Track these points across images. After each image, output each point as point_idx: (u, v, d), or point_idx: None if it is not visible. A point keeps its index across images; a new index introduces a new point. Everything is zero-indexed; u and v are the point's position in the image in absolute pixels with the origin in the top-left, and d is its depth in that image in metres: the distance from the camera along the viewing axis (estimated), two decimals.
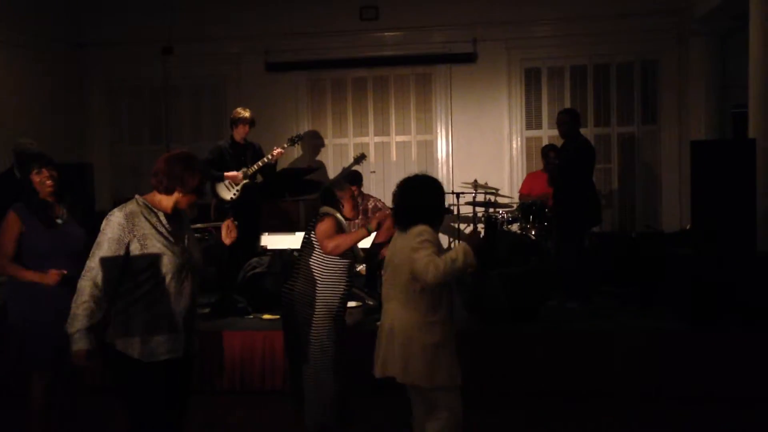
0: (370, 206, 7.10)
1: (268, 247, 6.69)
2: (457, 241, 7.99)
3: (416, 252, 3.30)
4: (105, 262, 3.01)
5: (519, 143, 8.93)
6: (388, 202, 8.10)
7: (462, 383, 3.45)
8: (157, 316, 3.09)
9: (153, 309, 3.08)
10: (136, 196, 3.22)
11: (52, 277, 3.82)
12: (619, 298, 6.47)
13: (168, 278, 3.09)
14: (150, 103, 9.45)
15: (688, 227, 6.78)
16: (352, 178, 7.27)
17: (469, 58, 8.84)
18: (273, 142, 7.81)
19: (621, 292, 6.56)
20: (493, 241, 6.77)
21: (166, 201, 3.21)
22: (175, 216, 3.24)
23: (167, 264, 3.08)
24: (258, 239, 6.62)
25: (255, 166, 6.93)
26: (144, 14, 8.98)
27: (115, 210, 3.12)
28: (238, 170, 6.92)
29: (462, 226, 8.55)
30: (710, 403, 4.97)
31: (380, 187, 8.97)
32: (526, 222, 7.37)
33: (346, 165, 8.97)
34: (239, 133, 7.01)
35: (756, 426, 4.74)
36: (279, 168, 7.62)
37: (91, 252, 3.05)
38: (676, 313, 5.75)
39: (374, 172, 9.07)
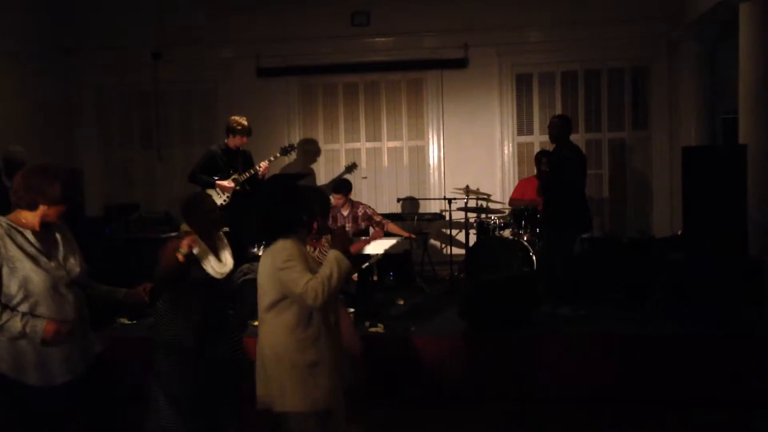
0: (359, 213, 7.05)
1: (260, 254, 6.65)
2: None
3: (285, 273, 3.08)
4: None
5: (510, 149, 8.94)
6: (380, 208, 8.15)
7: (333, 408, 3.19)
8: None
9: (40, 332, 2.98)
10: (0, 218, 3.09)
11: None
12: (610, 304, 6.47)
13: (44, 297, 3.00)
14: (140, 108, 9.41)
15: (679, 232, 6.79)
16: (340, 186, 7.23)
17: (460, 64, 8.85)
18: (264, 148, 7.80)
19: (612, 297, 6.56)
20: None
21: (32, 217, 3.07)
22: (45, 231, 3.12)
23: (40, 283, 2.99)
24: (248, 243, 6.58)
25: (246, 174, 6.91)
26: (134, 19, 8.94)
27: None
28: (228, 175, 6.90)
29: (454, 232, 8.54)
30: (702, 406, 4.98)
31: (372, 193, 8.97)
32: (518, 228, 7.37)
33: (337, 170, 8.96)
34: (235, 142, 6.98)
35: (753, 429, 4.74)
36: (270, 173, 7.61)
37: None
38: (668, 318, 5.77)
39: (366, 177, 9.06)
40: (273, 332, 3.16)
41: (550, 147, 7.19)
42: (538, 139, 8.82)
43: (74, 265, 3.17)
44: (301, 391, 3.09)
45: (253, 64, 9.05)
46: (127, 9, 8.97)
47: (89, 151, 9.36)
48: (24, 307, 2.98)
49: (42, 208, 3.05)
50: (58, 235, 3.19)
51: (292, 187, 3.39)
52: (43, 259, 3.04)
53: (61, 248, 3.16)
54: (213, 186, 6.84)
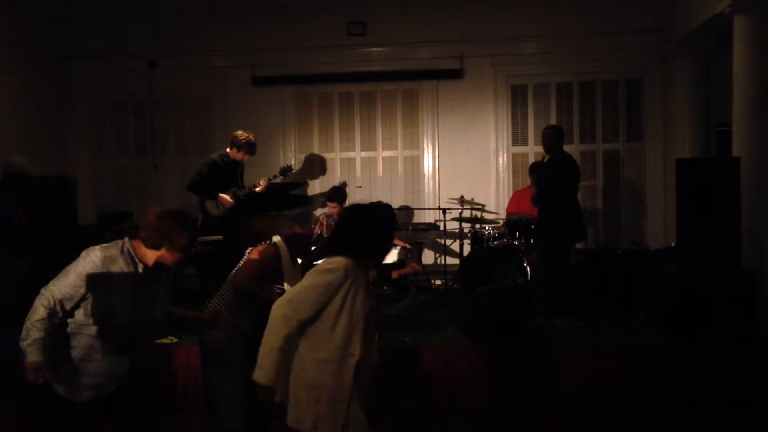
0: None
1: None
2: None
3: (309, 278, 2.95)
4: (64, 290, 2.96)
5: (505, 159, 8.96)
6: None
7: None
8: (93, 365, 3.04)
9: (92, 355, 3.03)
10: (126, 240, 3.14)
11: None
12: (604, 315, 6.48)
13: (117, 331, 3.04)
14: (135, 117, 9.39)
15: (673, 244, 6.80)
16: (335, 194, 7.24)
17: (455, 74, 8.87)
18: (259, 157, 7.76)
19: (607, 308, 6.58)
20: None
21: (151, 255, 3.11)
22: (155, 268, 3.15)
23: (122, 318, 3.02)
24: (244, 254, 6.56)
25: (246, 189, 6.92)
26: (129, 27, 8.94)
27: (98, 248, 3.07)
28: (227, 185, 6.88)
29: (448, 241, 8.54)
30: (695, 418, 4.98)
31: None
32: (513, 238, 7.38)
33: (332, 180, 8.95)
34: (237, 156, 6.96)
35: None
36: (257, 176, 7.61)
37: (57, 275, 3.01)
38: (662, 329, 5.77)
39: (360, 187, 9.05)
40: (300, 344, 3.01)
41: (544, 157, 7.21)
42: (533, 150, 8.84)
43: (158, 312, 3.20)
44: (314, 414, 2.93)
45: (248, 73, 9.06)
46: (123, 17, 8.96)
47: (83, 158, 9.33)
48: (90, 331, 3.00)
49: (163, 251, 3.09)
50: (163, 278, 3.22)
51: (377, 210, 3.18)
52: (139, 297, 3.08)
53: (159, 292, 3.20)
54: (215, 198, 6.82)
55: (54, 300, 2.93)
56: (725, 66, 6.65)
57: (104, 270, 2.99)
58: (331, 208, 7.10)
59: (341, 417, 2.96)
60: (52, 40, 9.02)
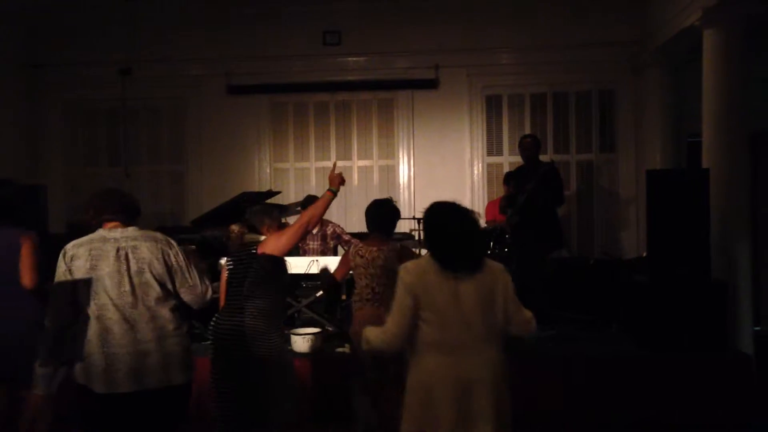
0: (329, 232, 7.03)
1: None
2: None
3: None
4: None
5: (480, 169, 9.00)
6: (349, 227, 8.12)
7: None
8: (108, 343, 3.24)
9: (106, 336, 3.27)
10: (105, 230, 3.38)
11: None
12: (577, 325, 6.51)
13: None
14: (108, 125, 9.29)
15: (644, 254, 6.86)
16: (309, 203, 7.22)
17: (431, 84, 8.91)
18: (233, 165, 7.74)
19: (579, 318, 6.61)
20: None
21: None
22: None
23: None
24: (219, 264, 6.51)
25: None
26: (103, 34, 8.86)
27: (164, 236, 3.42)
28: None
29: (423, 251, 8.53)
30: (665, 427, 5.01)
31: (341, 212, 8.93)
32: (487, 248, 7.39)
33: (307, 189, 8.91)
34: None
35: None
36: (241, 191, 7.56)
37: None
38: (634, 339, 5.81)
39: (335, 196, 9.01)
40: (496, 357, 3.06)
41: (522, 167, 7.23)
42: (507, 160, 8.89)
43: None
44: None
45: (223, 82, 9.01)
46: (96, 24, 8.88)
47: (54, 167, 9.21)
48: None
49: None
50: None
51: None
52: None
53: None
54: None
55: None
56: (696, 78, 6.74)
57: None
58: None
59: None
60: (24, 46, 8.91)
